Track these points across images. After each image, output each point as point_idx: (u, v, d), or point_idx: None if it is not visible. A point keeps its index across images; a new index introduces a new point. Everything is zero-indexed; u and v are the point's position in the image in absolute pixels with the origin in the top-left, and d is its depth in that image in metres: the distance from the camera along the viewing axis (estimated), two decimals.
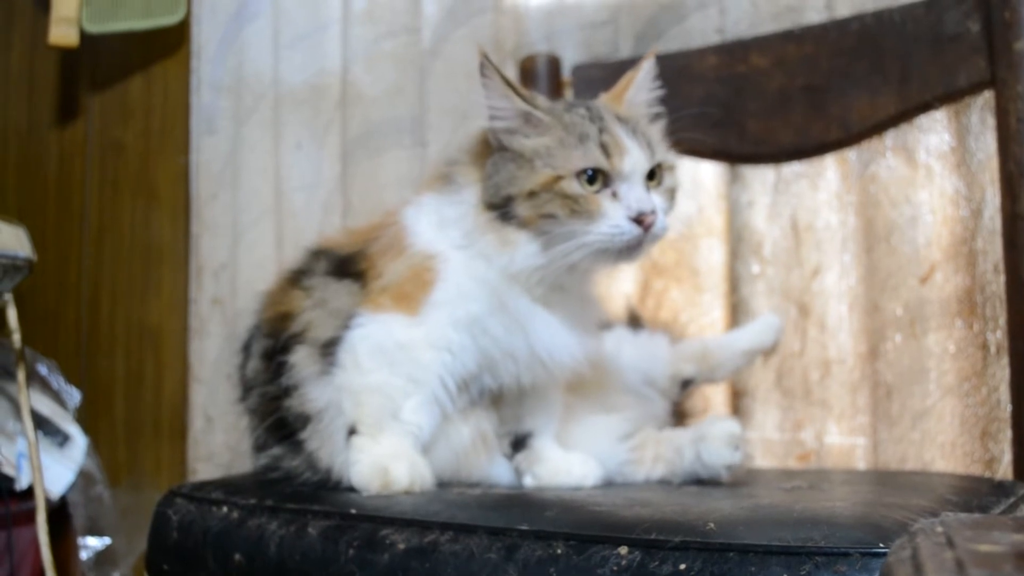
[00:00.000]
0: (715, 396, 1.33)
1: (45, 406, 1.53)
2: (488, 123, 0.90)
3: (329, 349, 0.92)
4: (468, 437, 0.94)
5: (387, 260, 0.93)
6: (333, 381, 0.91)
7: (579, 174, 0.85)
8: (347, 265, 0.95)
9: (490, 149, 0.91)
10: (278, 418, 0.95)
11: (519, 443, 0.96)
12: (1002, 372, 1.11)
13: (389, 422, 0.89)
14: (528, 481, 0.95)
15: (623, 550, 0.67)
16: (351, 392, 0.90)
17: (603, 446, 0.99)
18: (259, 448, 0.99)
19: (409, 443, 0.90)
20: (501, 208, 0.88)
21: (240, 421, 1.63)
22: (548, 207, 0.86)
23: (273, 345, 0.96)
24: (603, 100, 0.96)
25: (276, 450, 0.96)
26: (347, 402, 0.90)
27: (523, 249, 0.87)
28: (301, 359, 0.93)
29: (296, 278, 0.98)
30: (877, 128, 1.20)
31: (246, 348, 1.04)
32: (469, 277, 0.89)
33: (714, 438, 0.93)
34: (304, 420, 0.93)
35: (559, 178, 0.85)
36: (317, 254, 1.00)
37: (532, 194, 0.86)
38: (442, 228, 0.92)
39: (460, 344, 0.89)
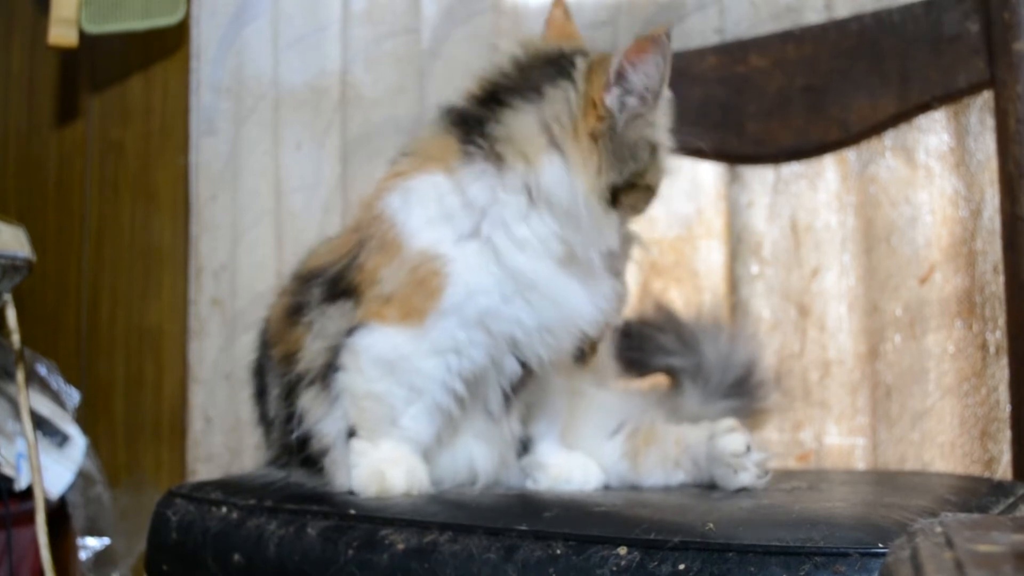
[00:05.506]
0: None
1: (44, 406, 1.53)
2: (621, 96, 0.84)
3: (330, 373, 0.89)
4: (493, 461, 0.93)
5: (380, 264, 0.86)
6: (335, 385, 0.89)
7: None
8: (338, 283, 0.90)
9: (593, 129, 0.84)
10: (301, 453, 0.94)
11: (523, 447, 0.96)
12: (1001, 372, 1.11)
13: (388, 427, 0.88)
14: (530, 485, 0.95)
15: (622, 550, 0.67)
16: (352, 396, 0.88)
17: (593, 446, 0.97)
18: (281, 467, 0.98)
19: (407, 448, 0.89)
20: (615, 191, 0.85)
21: (239, 422, 1.64)
22: (642, 204, 0.89)
23: (287, 387, 0.93)
24: None
25: (298, 473, 0.96)
26: (348, 404, 0.89)
27: (610, 236, 0.86)
28: (309, 402, 0.91)
29: (295, 311, 0.94)
30: (876, 128, 1.20)
31: (259, 374, 1.01)
32: (479, 272, 0.84)
33: (718, 461, 0.88)
34: (323, 453, 0.92)
35: (661, 182, 0.89)
36: (308, 279, 0.94)
37: (648, 188, 0.88)
38: (445, 218, 0.85)
39: (469, 341, 0.85)
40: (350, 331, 0.88)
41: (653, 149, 0.86)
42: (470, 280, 0.84)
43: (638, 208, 0.90)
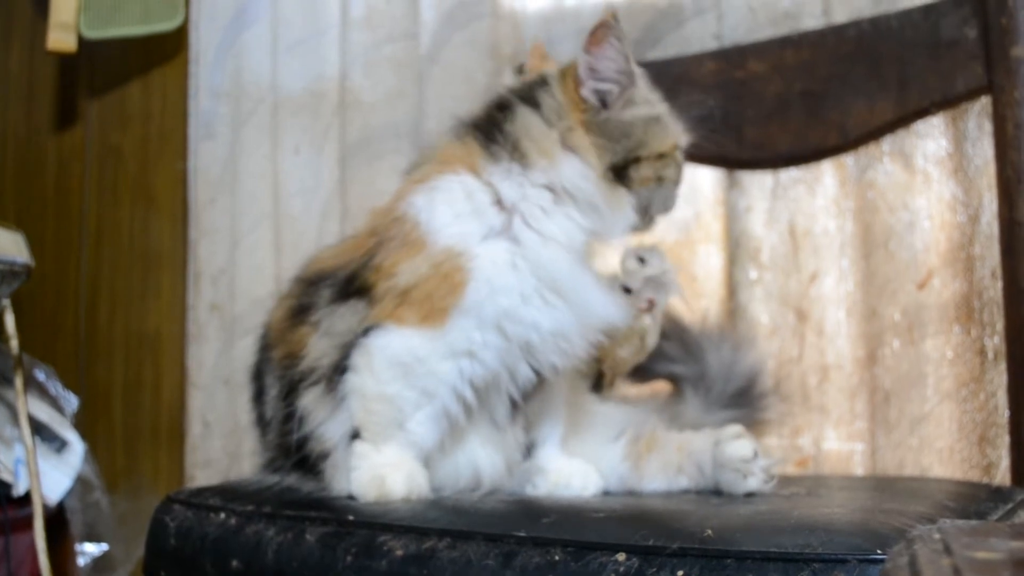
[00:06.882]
0: None
1: (43, 412, 1.53)
2: (595, 86, 0.89)
3: (336, 375, 0.89)
4: (498, 468, 0.93)
5: (400, 260, 0.86)
6: (343, 386, 0.89)
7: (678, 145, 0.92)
8: (351, 283, 0.90)
9: (583, 122, 0.88)
10: (298, 453, 0.93)
11: (526, 451, 0.96)
12: (1000, 377, 1.11)
13: (394, 431, 0.88)
14: (530, 490, 0.95)
15: (621, 556, 0.67)
16: (361, 397, 0.88)
17: (594, 452, 0.97)
18: (275, 470, 0.98)
19: (410, 453, 0.89)
20: (619, 170, 0.88)
21: (237, 427, 1.64)
22: (666, 171, 0.90)
23: (288, 387, 0.93)
24: None
25: (292, 477, 0.96)
26: (355, 405, 0.88)
27: (626, 212, 0.89)
28: (312, 403, 0.91)
29: (300, 312, 0.94)
30: (875, 134, 1.20)
31: (258, 377, 1.01)
32: (503, 270, 0.85)
33: (725, 467, 0.89)
34: (322, 456, 0.92)
35: (676, 146, 0.91)
36: (314, 282, 0.94)
37: (661, 156, 0.90)
38: (473, 215, 0.86)
39: (484, 344, 0.85)
40: (365, 331, 0.88)
41: (645, 122, 0.90)
42: (492, 278, 0.85)
43: (667, 176, 0.92)
